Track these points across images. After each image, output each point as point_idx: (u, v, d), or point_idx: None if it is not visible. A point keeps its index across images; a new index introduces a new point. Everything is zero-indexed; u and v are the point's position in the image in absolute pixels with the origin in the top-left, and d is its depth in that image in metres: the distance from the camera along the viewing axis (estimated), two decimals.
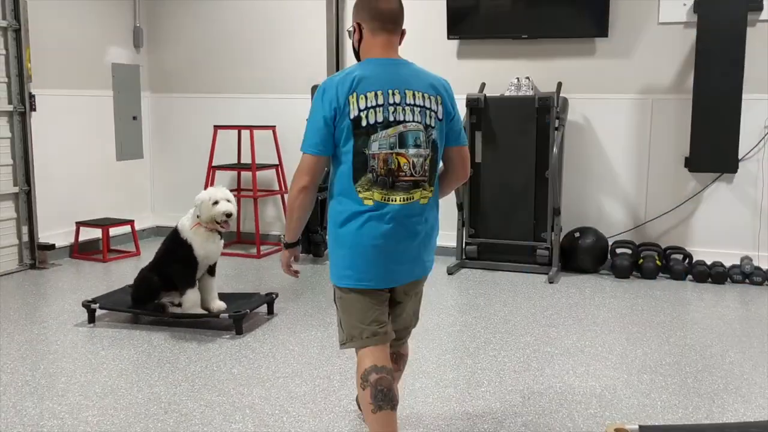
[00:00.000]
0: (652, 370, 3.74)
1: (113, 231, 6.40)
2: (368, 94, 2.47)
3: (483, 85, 5.94)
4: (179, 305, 4.43)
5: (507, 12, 5.96)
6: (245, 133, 6.59)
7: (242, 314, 4.28)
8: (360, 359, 2.61)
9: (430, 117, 2.54)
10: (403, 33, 2.63)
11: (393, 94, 2.50)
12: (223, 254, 4.63)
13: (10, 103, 5.73)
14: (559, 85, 5.69)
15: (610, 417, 3.20)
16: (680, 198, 5.75)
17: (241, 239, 6.82)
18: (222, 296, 4.59)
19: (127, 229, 6.53)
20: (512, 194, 5.77)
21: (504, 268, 5.82)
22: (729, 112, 5.31)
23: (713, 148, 5.42)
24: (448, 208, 5.92)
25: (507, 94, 5.84)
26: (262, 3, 6.66)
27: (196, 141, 6.93)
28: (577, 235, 5.78)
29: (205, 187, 6.39)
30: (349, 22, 3.07)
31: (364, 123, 2.47)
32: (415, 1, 6.22)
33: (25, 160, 5.82)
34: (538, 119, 5.62)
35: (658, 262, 5.58)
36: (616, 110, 5.85)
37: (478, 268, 5.87)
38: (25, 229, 5.85)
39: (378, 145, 2.48)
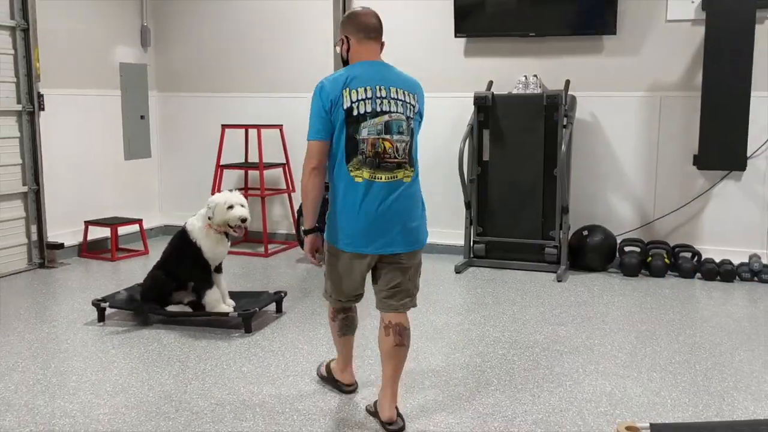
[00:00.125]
0: (662, 369, 3.74)
1: (122, 230, 6.42)
2: (359, 89, 2.92)
3: (490, 83, 5.93)
4: (188, 304, 4.45)
5: (514, 10, 5.95)
6: (252, 132, 6.60)
7: (251, 313, 4.29)
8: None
9: (410, 109, 3.00)
10: (382, 45, 3.08)
11: (380, 89, 2.94)
12: (230, 253, 4.66)
13: (18, 102, 5.75)
14: (567, 82, 5.68)
15: (621, 415, 3.20)
16: (689, 196, 5.74)
17: (248, 238, 6.83)
18: (230, 295, 4.60)
19: (135, 228, 6.55)
20: (520, 192, 5.76)
21: (512, 266, 5.81)
22: (738, 109, 5.28)
23: (722, 146, 5.39)
24: (455, 206, 5.95)
25: (515, 92, 5.82)
26: (268, 2, 6.66)
27: (203, 140, 6.94)
28: (585, 233, 5.77)
29: (213, 186, 6.43)
30: None
31: (355, 113, 2.90)
32: (423, 0, 6.26)
33: (33, 160, 5.84)
34: (546, 117, 5.60)
35: (666, 260, 5.57)
36: (625, 108, 5.83)
37: (486, 266, 5.86)
38: (33, 229, 5.87)
39: (367, 131, 2.91)
